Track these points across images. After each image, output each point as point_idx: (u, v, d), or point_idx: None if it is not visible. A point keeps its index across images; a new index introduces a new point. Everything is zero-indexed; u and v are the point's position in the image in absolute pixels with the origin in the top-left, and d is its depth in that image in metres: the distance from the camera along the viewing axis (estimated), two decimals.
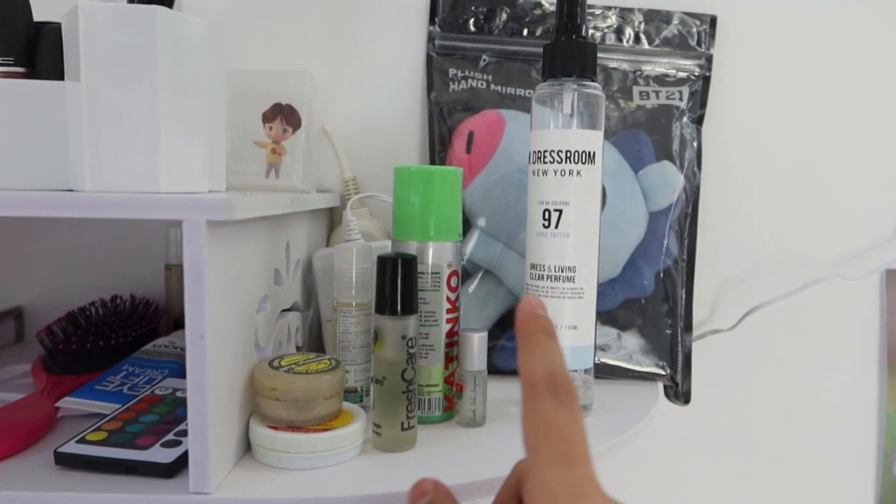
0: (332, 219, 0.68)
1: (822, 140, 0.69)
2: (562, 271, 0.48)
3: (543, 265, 0.49)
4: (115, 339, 0.55)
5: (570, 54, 0.48)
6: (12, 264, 0.70)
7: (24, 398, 0.48)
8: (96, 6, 0.38)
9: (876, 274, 0.70)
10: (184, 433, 0.41)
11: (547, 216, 0.48)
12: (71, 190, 0.40)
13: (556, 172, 0.48)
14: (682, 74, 0.65)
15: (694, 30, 0.65)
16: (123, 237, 0.69)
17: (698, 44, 0.65)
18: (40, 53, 0.43)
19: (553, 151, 0.48)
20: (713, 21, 0.65)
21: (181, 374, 0.51)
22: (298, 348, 0.55)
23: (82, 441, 0.39)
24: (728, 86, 0.68)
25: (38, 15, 0.44)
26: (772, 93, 0.68)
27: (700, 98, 0.65)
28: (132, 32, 0.39)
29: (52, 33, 0.43)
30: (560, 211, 0.48)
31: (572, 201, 0.48)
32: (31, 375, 0.55)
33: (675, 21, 0.65)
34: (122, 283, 0.66)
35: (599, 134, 0.48)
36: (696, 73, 0.65)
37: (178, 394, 0.47)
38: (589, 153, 0.48)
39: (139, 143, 0.39)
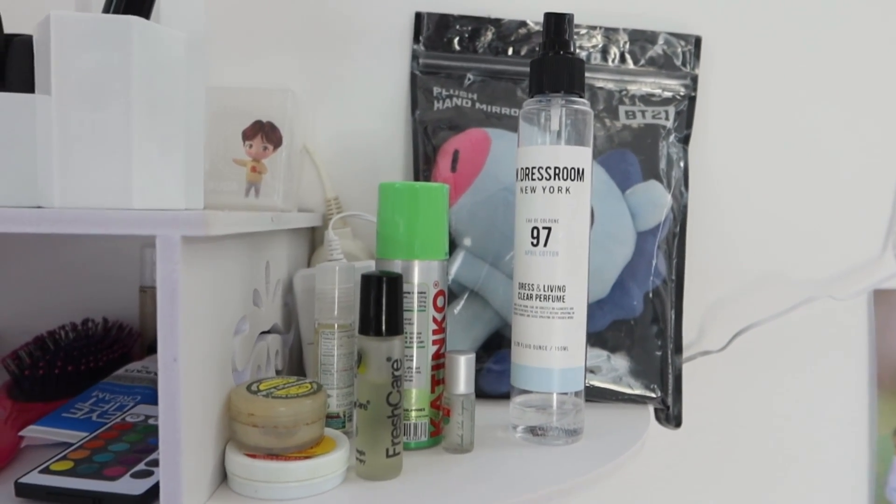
0: (314, 239, 0.66)
1: (808, 159, 0.68)
2: (551, 290, 0.47)
3: (532, 284, 0.47)
4: (86, 365, 0.52)
5: (557, 70, 0.47)
6: None
7: None
8: (69, 17, 0.37)
9: (864, 294, 0.69)
10: (155, 463, 0.39)
11: (535, 234, 0.47)
12: (39, 206, 0.38)
13: (544, 189, 0.47)
14: (667, 94, 0.64)
15: (679, 50, 0.65)
16: (97, 259, 0.66)
17: (683, 64, 0.65)
18: (10, 65, 0.42)
19: (541, 168, 0.47)
20: (698, 41, 0.65)
21: (154, 400, 0.49)
22: (278, 372, 0.53)
23: (46, 471, 0.37)
24: (713, 106, 0.67)
25: (9, 27, 0.43)
26: (757, 112, 0.68)
27: (686, 118, 0.64)
28: (106, 45, 0.37)
29: (22, 45, 0.41)
30: (549, 229, 0.47)
31: (561, 219, 0.47)
32: None
33: (660, 41, 0.65)
34: (95, 306, 0.64)
35: (588, 150, 0.47)
36: (682, 93, 0.64)
37: (151, 421, 0.45)
38: (578, 170, 0.47)
39: (112, 159, 0.37)
